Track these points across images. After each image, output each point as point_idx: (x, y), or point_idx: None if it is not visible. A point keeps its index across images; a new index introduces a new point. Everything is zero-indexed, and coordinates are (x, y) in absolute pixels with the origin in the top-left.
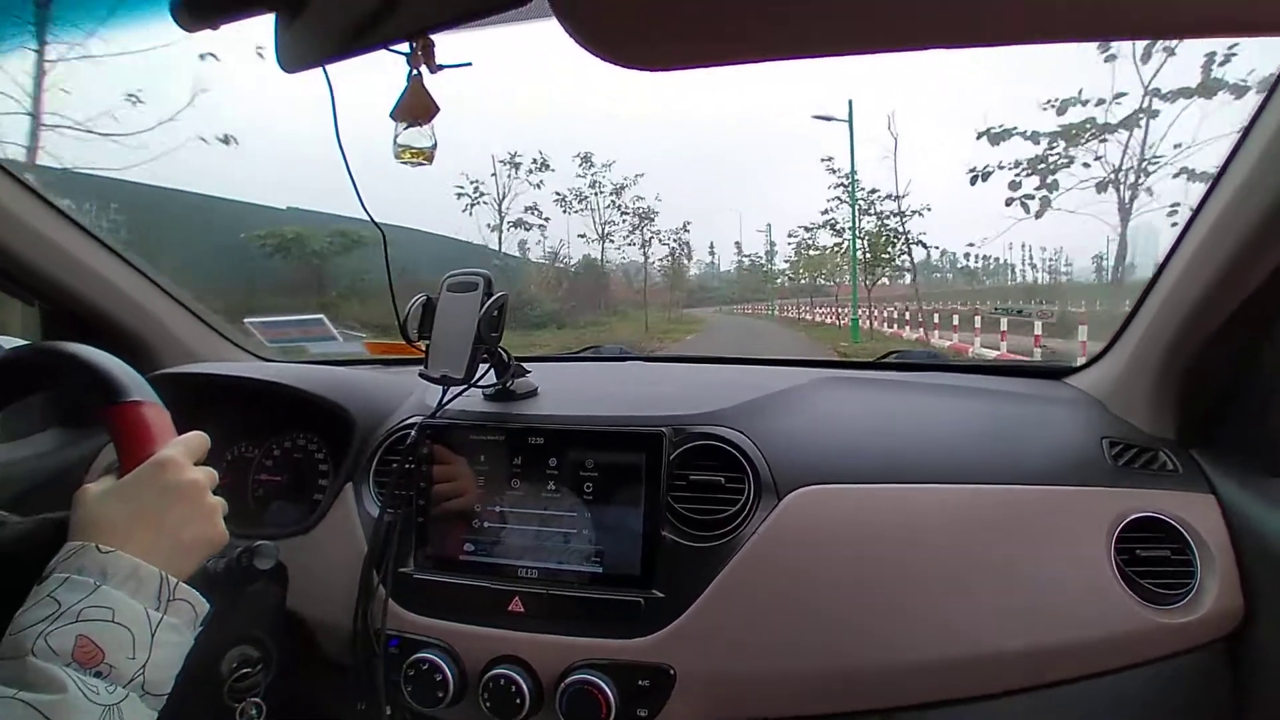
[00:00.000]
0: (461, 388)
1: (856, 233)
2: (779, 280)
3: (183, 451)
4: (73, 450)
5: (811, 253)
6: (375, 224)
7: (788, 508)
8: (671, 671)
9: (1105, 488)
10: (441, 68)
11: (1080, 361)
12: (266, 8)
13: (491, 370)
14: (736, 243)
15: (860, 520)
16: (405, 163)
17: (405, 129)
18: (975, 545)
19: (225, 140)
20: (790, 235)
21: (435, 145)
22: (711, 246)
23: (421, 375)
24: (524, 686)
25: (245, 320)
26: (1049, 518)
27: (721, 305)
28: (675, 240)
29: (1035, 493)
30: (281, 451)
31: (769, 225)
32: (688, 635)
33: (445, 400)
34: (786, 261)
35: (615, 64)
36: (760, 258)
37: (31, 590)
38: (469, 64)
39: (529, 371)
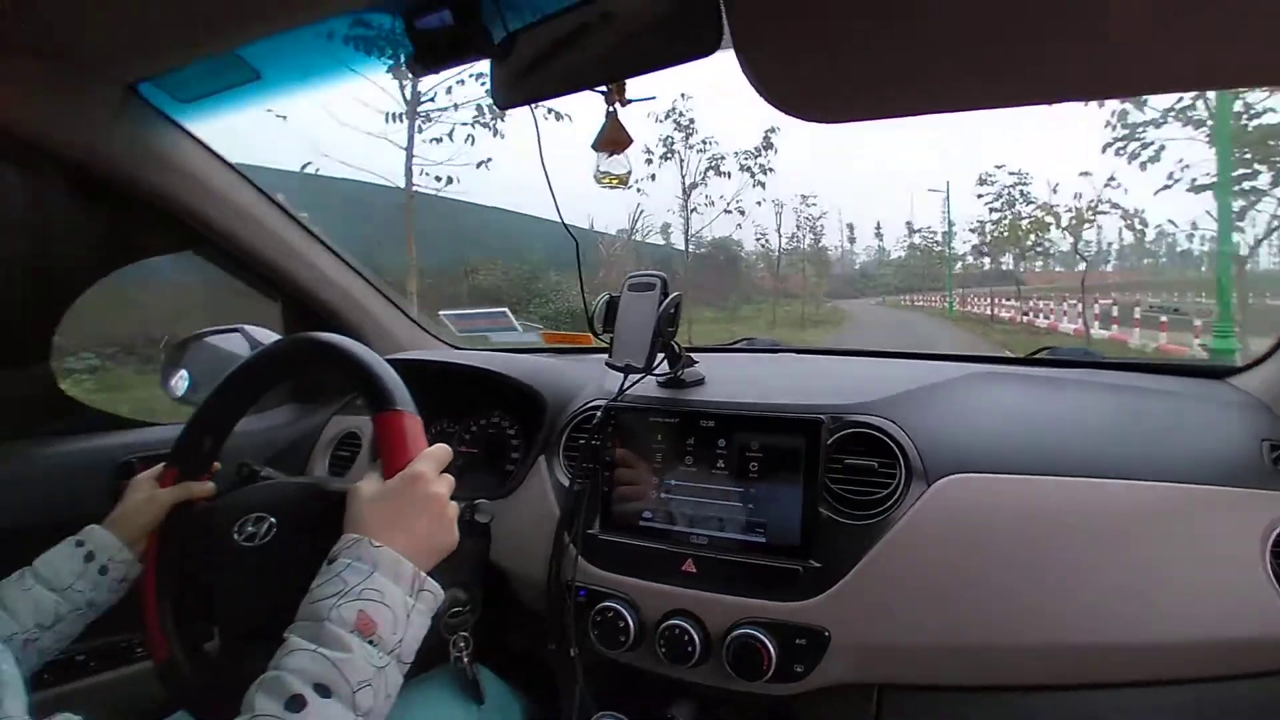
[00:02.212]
0: (640, 375)
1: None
2: (958, 265)
3: (432, 465)
4: (304, 423)
5: (1022, 220)
6: (569, 231)
7: (937, 493)
8: (826, 634)
9: (1263, 490)
10: (631, 102)
11: (1241, 361)
12: (483, 55)
13: (665, 360)
14: (908, 222)
15: (1006, 507)
16: (606, 187)
17: (606, 158)
18: (1122, 538)
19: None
20: (982, 184)
21: (630, 171)
22: (878, 227)
23: (608, 364)
24: (695, 636)
25: (440, 313)
26: (1200, 516)
27: (885, 295)
28: (806, 213)
29: (1187, 490)
30: (478, 428)
31: (947, 184)
32: (842, 602)
33: (626, 386)
34: (974, 230)
35: (790, 114)
36: (933, 234)
37: (321, 568)
38: (654, 97)
39: (697, 361)
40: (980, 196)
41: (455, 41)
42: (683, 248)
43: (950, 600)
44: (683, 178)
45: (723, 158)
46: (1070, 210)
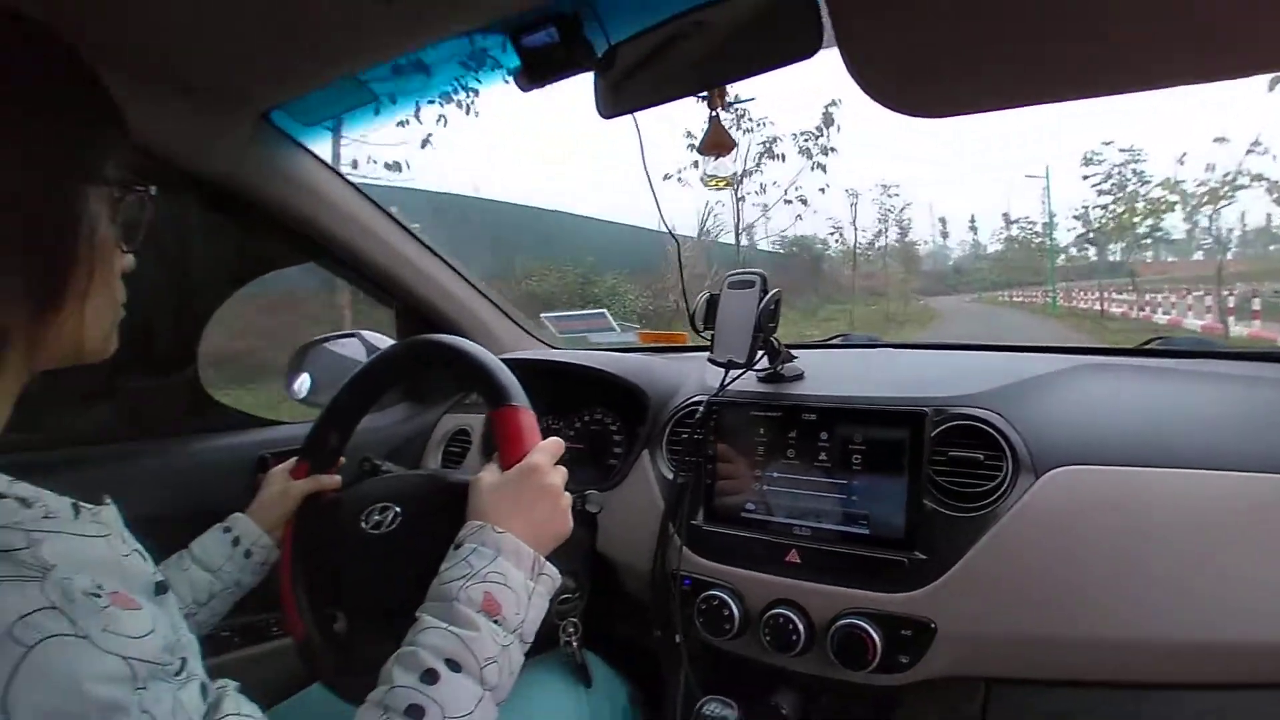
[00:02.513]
0: (742, 370)
1: None
2: (1060, 256)
3: (547, 457)
4: (417, 421)
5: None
6: (673, 236)
7: (1045, 485)
8: (932, 625)
9: None
10: (731, 105)
11: None
12: (586, 68)
13: (764, 356)
14: (1005, 214)
15: (1117, 500)
16: (712, 189)
17: (712, 161)
18: (1239, 531)
19: None
20: (1088, 164)
21: (735, 174)
22: (972, 220)
23: (710, 360)
24: (799, 626)
25: (542, 315)
26: None
27: (981, 292)
28: (887, 204)
29: None
30: (582, 423)
31: (1047, 169)
32: (948, 594)
33: (728, 381)
34: (1078, 216)
35: (899, 111)
36: (1032, 224)
37: (448, 553)
38: (753, 99)
39: (796, 357)
40: (1086, 178)
41: (560, 57)
42: (764, 248)
43: (1059, 593)
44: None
45: (776, 140)
46: (1202, 186)
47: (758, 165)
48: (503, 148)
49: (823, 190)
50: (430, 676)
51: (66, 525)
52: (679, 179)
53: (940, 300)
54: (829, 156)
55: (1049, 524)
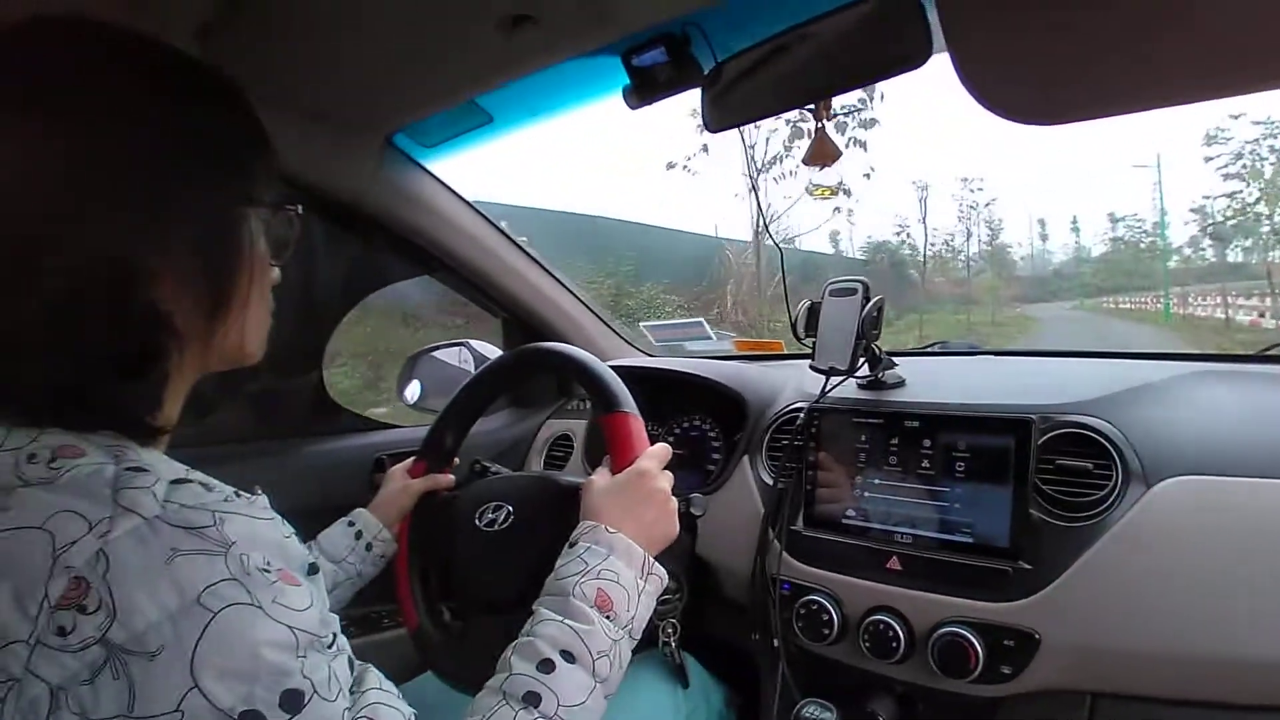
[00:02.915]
0: (843, 377)
1: None
2: (1173, 258)
3: (656, 463)
4: (521, 426)
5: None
6: (777, 246)
7: (1157, 496)
8: (1036, 636)
9: None
10: (836, 115)
11: None
12: (694, 85)
13: (865, 363)
14: (1110, 213)
15: (1234, 511)
16: (819, 198)
17: (817, 171)
18: None
19: None
20: (1211, 143)
21: (841, 183)
22: (1074, 221)
23: (811, 367)
24: (899, 633)
25: (641, 324)
26: None
27: (1082, 299)
28: (969, 199)
29: None
30: (681, 429)
31: (1158, 158)
32: (1054, 604)
33: (829, 388)
34: (1196, 209)
35: (1015, 120)
36: (1140, 222)
37: (563, 550)
38: (859, 107)
39: (897, 364)
40: (1209, 160)
41: (668, 75)
42: (850, 254)
43: (1171, 607)
44: (748, 152)
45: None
46: None
47: (786, 150)
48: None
49: (868, 175)
50: (547, 666)
51: (241, 508)
52: (685, 168)
53: (1037, 308)
54: (869, 131)
55: (1161, 535)
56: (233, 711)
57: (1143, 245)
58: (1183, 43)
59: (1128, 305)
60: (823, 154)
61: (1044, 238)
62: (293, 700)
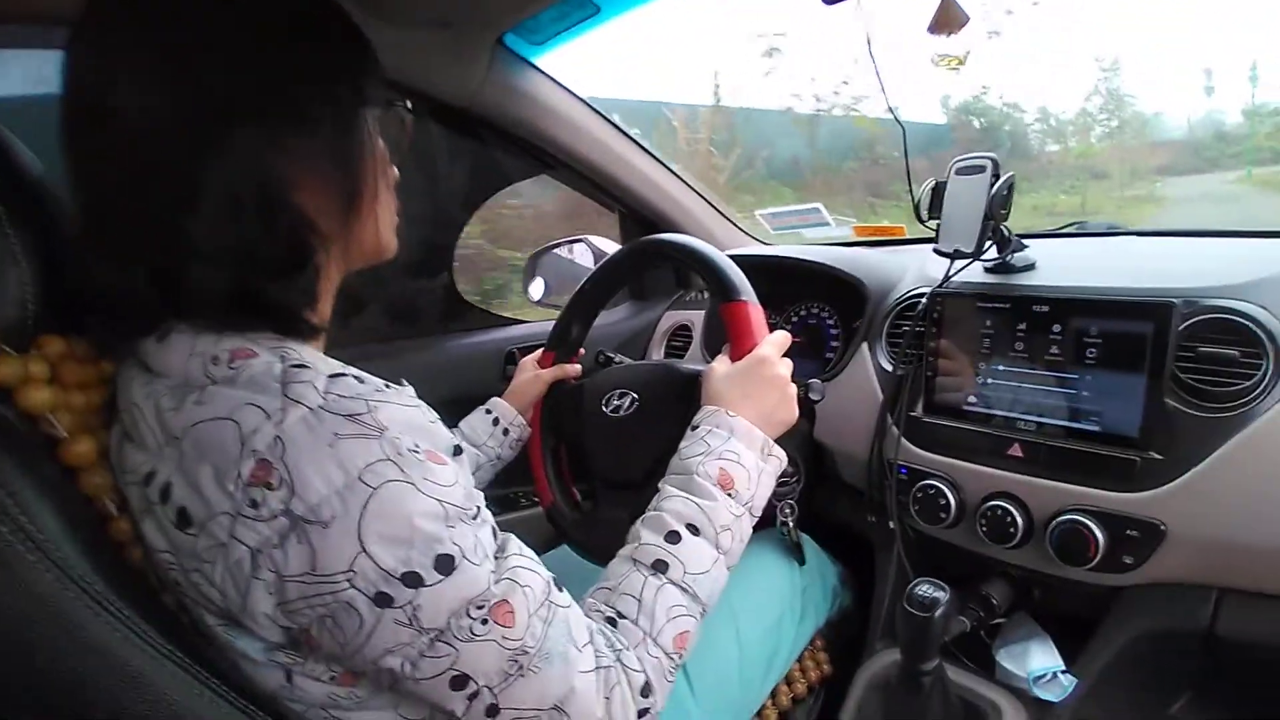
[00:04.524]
0: (969, 260)
1: None
2: None
3: (775, 349)
4: (641, 318)
5: None
6: (899, 121)
7: None
8: (1163, 527)
9: None
10: None
11: None
12: None
13: (993, 246)
14: None
15: None
16: (946, 69)
17: (944, 39)
18: None
19: None
20: None
21: (969, 52)
22: (1254, 69)
23: (935, 250)
24: (1018, 518)
25: (756, 212)
26: None
27: (1252, 167)
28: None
29: None
30: (799, 317)
31: None
32: (1185, 496)
33: (953, 272)
34: None
35: None
36: None
37: (686, 433)
38: None
39: (1027, 246)
40: None
41: None
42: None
43: None
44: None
45: None
46: None
47: None
48: None
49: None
50: (674, 537)
51: (392, 398)
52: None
53: (1185, 181)
54: None
55: None
56: (395, 572)
57: None
58: None
59: None
60: (948, 21)
61: (1209, 91)
62: (444, 563)
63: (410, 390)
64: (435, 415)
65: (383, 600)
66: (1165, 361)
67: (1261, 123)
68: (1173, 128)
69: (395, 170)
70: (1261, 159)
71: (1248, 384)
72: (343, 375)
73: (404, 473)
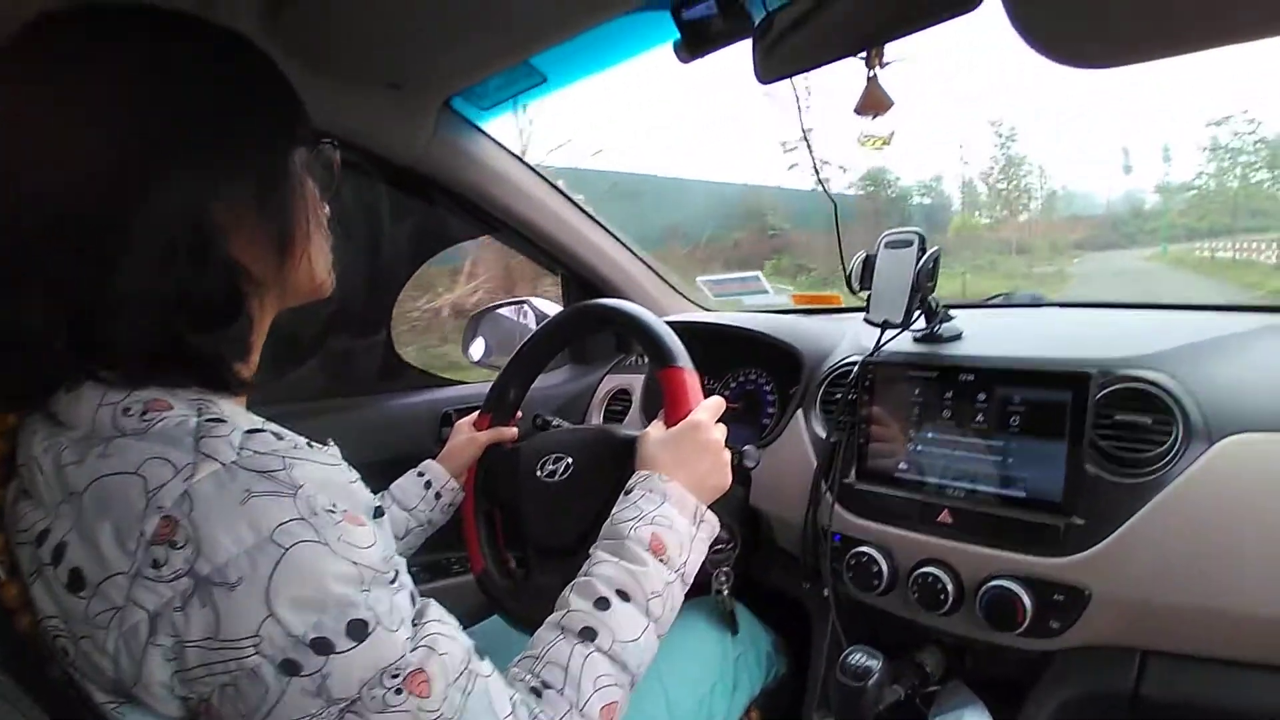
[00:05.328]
0: (897, 330)
1: None
2: None
3: (710, 415)
4: (581, 382)
5: None
6: (830, 196)
7: (1219, 453)
8: (1087, 591)
9: None
10: (888, 64)
11: None
12: (745, 37)
13: (921, 316)
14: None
15: None
16: (871, 149)
17: (869, 121)
18: None
19: None
20: None
21: (893, 133)
22: (1166, 153)
23: (865, 320)
24: (948, 585)
25: (698, 279)
26: None
27: (1168, 244)
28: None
29: None
30: (737, 383)
31: None
32: (1107, 560)
33: (883, 341)
34: None
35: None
36: (1252, 128)
37: (619, 498)
38: (906, 59)
39: (954, 317)
40: None
41: (719, 27)
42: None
43: (1228, 566)
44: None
45: None
46: None
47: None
48: None
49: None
50: (603, 604)
51: (311, 455)
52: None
53: (1102, 257)
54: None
55: (1220, 493)
56: (304, 637)
57: (1258, 161)
58: None
59: (1231, 253)
60: (874, 103)
61: (1126, 169)
62: (357, 629)
63: (334, 450)
64: (356, 476)
65: (290, 668)
66: (1084, 429)
67: (1174, 201)
68: (1093, 204)
69: (326, 208)
70: (1175, 236)
71: (1160, 449)
72: (260, 431)
73: (318, 533)
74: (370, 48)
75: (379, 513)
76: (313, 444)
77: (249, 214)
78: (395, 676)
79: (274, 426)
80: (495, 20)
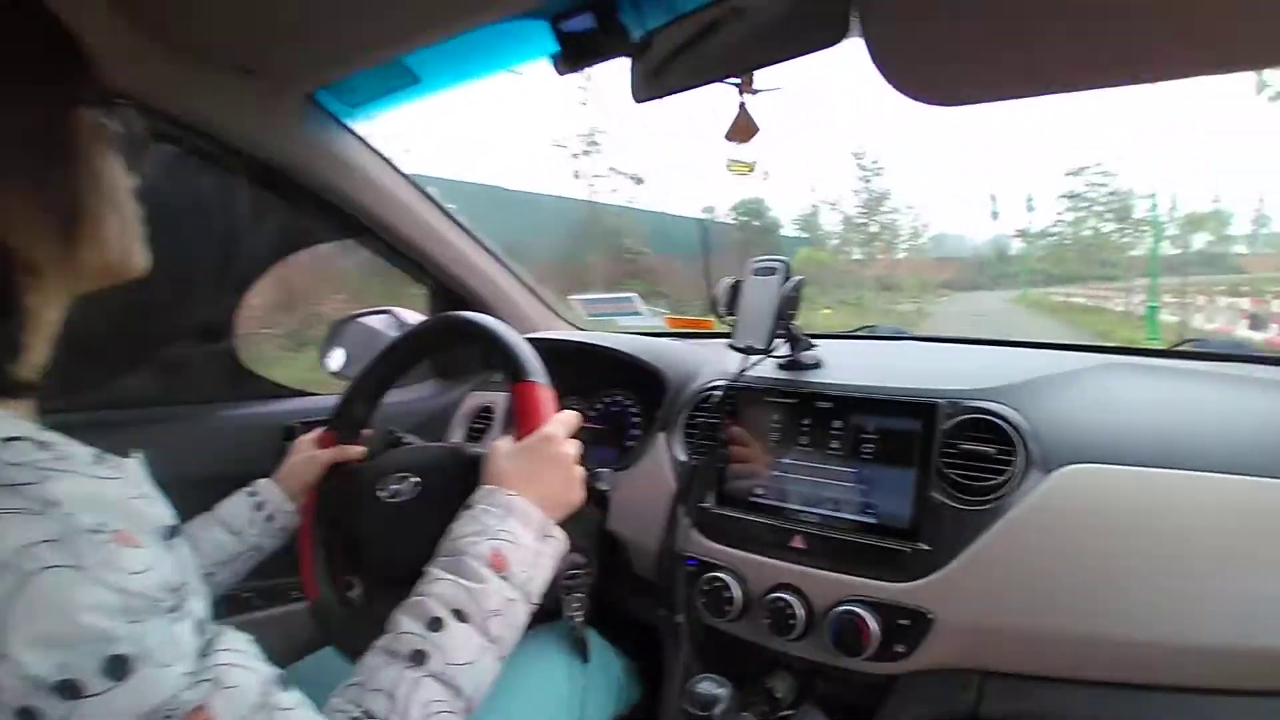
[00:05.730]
0: (760, 356)
1: None
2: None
3: (561, 428)
4: (444, 397)
5: None
6: (700, 222)
7: (1055, 482)
8: (930, 616)
9: None
10: (758, 92)
11: None
12: (622, 54)
13: (785, 343)
14: (1069, 170)
15: (1129, 500)
16: (736, 174)
17: (735, 147)
18: (1255, 537)
19: None
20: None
21: (756, 162)
22: (1029, 201)
23: (729, 345)
24: (799, 610)
25: (570, 296)
26: None
27: (1029, 287)
28: (863, 183)
29: None
30: (602, 405)
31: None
32: (948, 585)
33: (746, 367)
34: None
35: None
36: (1104, 179)
37: (460, 513)
38: (779, 89)
39: (816, 345)
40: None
41: (597, 42)
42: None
43: (1062, 590)
44: None
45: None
46: None
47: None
48: None
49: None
50: (436, 624)
51: (81, 468)
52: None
53: (965, 298)
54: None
55: (1056, 521)
56: (47, 681)
57: (1109, 212)
58: (1076, 34)
59: (1084, 299)
60: (743, 129)
61: (995, 215)
62: (116, 666)
63: (131, 463)
64: (147, 491)
65: (27, 717)
66: (931, 457)
67: (1035, 246)
68: (964, 246)
69: (129, 180)
70: (1035, 280)
71: (1001, 479)
72: (18, 440)
73: (75, 557)
74: (223, 27)
75: (173, 532)
76: (104, 456)
77: (19, 188)
78: (168, 718)
79: (47, 436)
80: (363, 12)
